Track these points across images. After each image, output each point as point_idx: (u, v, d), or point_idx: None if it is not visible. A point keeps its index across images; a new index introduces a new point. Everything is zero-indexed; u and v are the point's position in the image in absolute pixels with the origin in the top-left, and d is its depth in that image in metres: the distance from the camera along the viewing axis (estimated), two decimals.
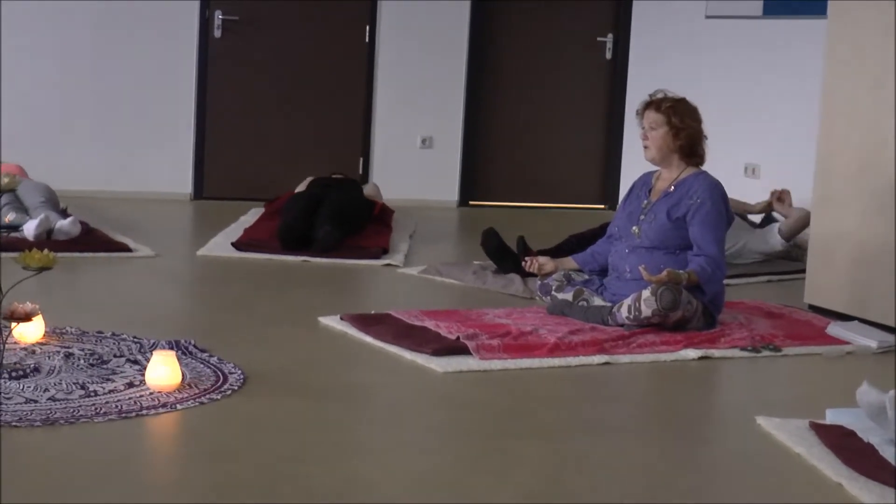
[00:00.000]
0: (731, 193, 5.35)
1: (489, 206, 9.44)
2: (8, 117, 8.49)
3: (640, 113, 5.36)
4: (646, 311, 4.95)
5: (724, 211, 5.21)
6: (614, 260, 5.37)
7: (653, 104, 5.32)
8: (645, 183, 5.45)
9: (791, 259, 7.02)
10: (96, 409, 3.68)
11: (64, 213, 6.90)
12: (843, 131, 5.68)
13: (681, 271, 5.04)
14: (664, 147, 5.28)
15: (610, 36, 9.56)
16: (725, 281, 5.29)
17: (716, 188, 5.23)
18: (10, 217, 6.70)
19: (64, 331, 4.60)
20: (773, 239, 7.01)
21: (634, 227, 5.31)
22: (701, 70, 8.73)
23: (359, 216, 7.29)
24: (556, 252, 6.06)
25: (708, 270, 5.08)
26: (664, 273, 4.99)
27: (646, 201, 5.34)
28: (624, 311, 5.01)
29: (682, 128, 5.25)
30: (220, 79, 8.98)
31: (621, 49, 9.54)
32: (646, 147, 5.32)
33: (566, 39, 9.53)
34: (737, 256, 6.83)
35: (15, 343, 4.30)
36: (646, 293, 4.96)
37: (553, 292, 5.41)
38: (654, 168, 5.44)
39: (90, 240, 6.65)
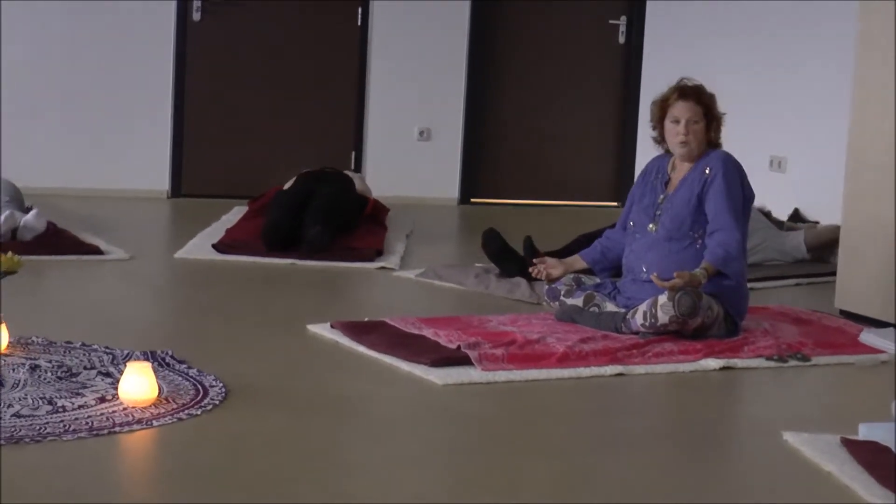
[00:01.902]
0: (757, 189, 5.33)
1: (492, 203, 9.46)
2: None
3: (670, 102, 5.26)
4: (663, 317, 4.95)
5: (739, 181, 5.18)
6: (629, 261, 5.36)
7: (691, 94, 5.22)
8: (660, 171, 5.39)
9: (821, 261, 7.03)
10: (65, 426, 3.68)
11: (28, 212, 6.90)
12: (877, 120, 5.68)
13: (696, 270, 5.02)
14: (704, 141, 5.26)
15: (623, 18, 9.58)
16: (750, 284, 5.28)
17: (727, 159, 5.21)
18: None
19: (29, 341, 4.60)
20: (795, 246, 7.03)
21: (650, 225, 5.30)
22: (723, 54, 8.73)
23: (350, 214, 7.29)
24: (564, 253, 6.04)
25: (720, 253, 5.05)
26: (677, 278, 4.95)
27: (662, 196, 5.33)
28: (639, 318, 5.01)
29: (719, 119, 5.25)
30: (200, 66, 8.99)
31: (636, 32, 9.56)
32: (685, 143, 5.20)
33: (576, 22, 9.55)
34: (755, 253, 6.83)
35: None
36: (662, 298, 4.95)
37: (562, 297, 5.41)
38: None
39: (58, 241, 6.65)
